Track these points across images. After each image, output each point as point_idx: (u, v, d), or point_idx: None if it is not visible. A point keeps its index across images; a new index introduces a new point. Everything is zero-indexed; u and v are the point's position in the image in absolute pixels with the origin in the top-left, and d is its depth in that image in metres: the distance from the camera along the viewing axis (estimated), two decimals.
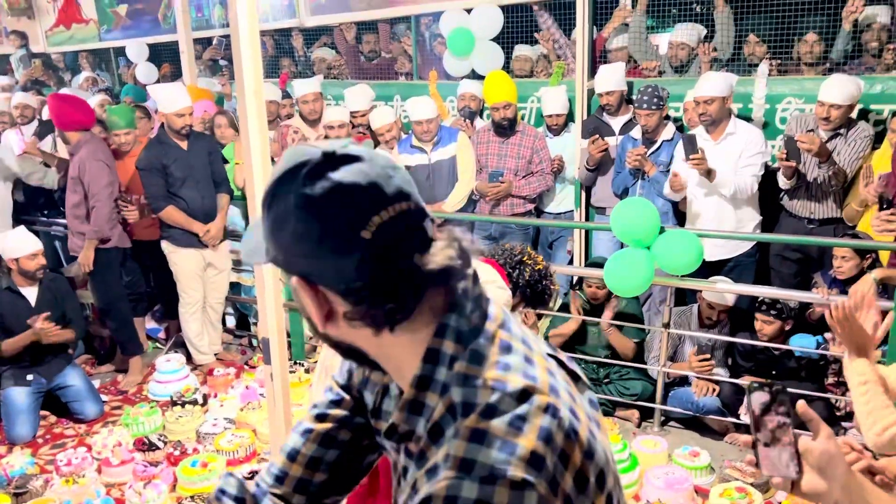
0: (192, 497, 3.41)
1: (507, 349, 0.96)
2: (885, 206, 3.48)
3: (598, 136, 4.69)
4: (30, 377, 4.25)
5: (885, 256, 3.99)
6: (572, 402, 0.97)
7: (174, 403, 4.31)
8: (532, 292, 2.66)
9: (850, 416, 3.80)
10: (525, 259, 2.66)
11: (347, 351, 1.01)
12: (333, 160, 0.90)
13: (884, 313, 2.06)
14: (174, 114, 4.60)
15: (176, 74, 7.30)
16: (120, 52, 8.25)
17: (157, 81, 8.00)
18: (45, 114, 5.98)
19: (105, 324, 5.04)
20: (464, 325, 0.94)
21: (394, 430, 0.98)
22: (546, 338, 4.38)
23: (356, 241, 0.87)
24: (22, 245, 4.26)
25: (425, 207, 0.94)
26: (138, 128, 5.73)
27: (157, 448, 3.89)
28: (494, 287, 2.55)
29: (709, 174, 4.08)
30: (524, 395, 0.91)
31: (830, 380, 3.84)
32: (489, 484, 0.85)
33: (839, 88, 3.94)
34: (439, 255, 0.90)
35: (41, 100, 6.51)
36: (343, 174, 0.88)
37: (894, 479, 1.93)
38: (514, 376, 0.93)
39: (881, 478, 1.82)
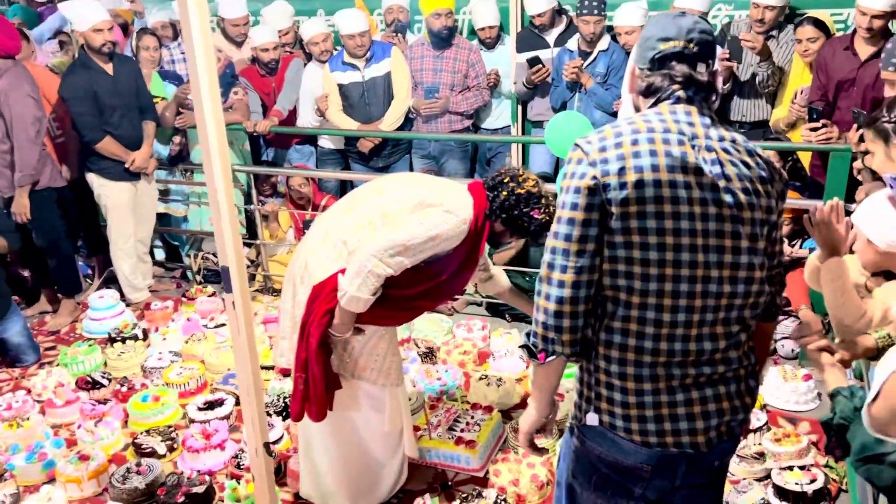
0: (146, 431, 3.33)
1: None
2: (814, 118, 3.56)
3: (540, 66, 4.59)
4: None
5: (805, 159, 4.16)
6: None
7: (113, 340, 4.16)
8: (508, 218, 2.41)
9: None
10: (506, 181, 2.42)
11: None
12: None
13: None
14: (91, 30, 4.23)
15: None
16: None
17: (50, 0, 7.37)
18: None
19: (28, 263, 4.75)
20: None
21: None
22: (490, 255, 4.39)
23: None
24: None
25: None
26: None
27: (103, 385, 3.76)
28: (438, 211, 2.32)
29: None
30: None
31: None
32: None
33: None
34: None
35: None
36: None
37: (850, 358, 2.07)
38: None
39: (841, 354, 1.97)
